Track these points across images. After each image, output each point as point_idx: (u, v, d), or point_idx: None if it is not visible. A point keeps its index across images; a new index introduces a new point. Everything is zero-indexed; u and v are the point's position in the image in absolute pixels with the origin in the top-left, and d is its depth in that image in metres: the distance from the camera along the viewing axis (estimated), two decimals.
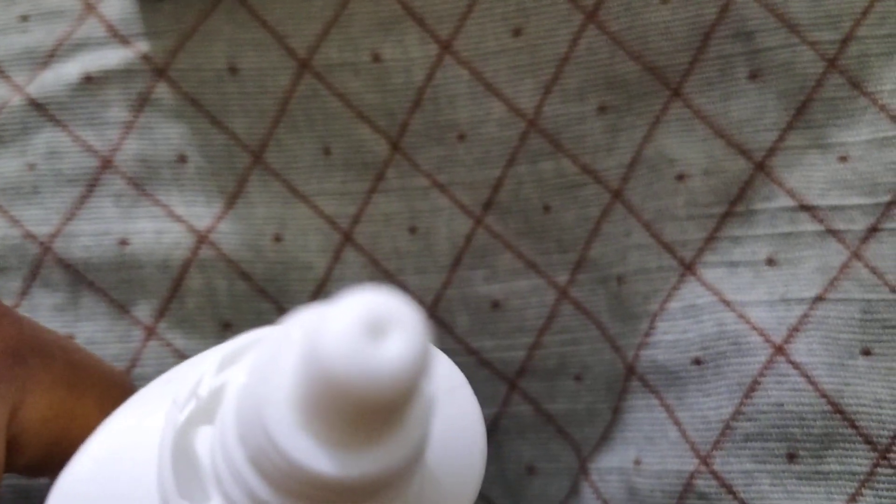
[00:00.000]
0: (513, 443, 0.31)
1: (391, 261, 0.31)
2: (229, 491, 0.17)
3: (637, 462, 0.30)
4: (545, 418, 0.31)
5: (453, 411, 0.21)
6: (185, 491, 0.18)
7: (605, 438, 0.31)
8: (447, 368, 0.21)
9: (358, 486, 0.16)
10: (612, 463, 0.30)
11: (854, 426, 0.27)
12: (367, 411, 0.15)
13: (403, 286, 0.31)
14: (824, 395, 0.27)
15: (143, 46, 0.30)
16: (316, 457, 0.16)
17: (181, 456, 0.18)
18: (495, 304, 0.31)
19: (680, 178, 0.30)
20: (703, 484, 0.28)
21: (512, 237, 0.31)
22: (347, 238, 0.31)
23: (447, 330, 0.31)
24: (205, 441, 0.18)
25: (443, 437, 0.20)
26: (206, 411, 0.19)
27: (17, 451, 0.23)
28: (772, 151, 0.29)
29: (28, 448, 0.23)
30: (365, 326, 0.14)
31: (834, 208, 0.28)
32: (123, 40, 0.30)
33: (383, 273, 0.31)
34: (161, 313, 0.30)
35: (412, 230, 0.31)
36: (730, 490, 0.28)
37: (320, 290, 0.31)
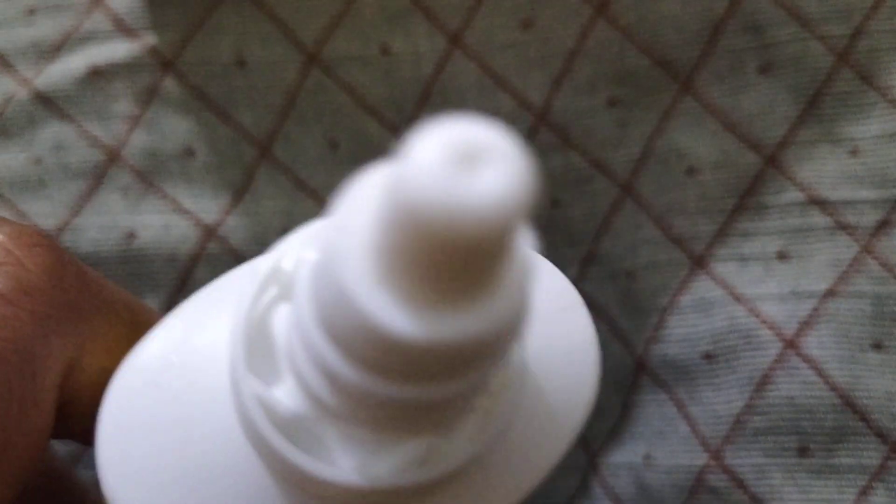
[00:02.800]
0: None
1: None
2: (302, 368, 0.15)
3: (647, 457, 0.29)
4: None
5: (565, 330, 0.19)
6: (257, 370, 0.16)
7: (614, 434, 0.31)
8: (561, 286, 0.19)
9: (441, 355, 0.14)
10: (621, 458, 0.30)
11: (865, 420, 0.27)
12: (455, 256, 0.13)
13: None
14: (835, 389, 0.27)
15: (150, 39, 0.30)
16: (395, 314, 0.13)
17: (255, 334, 0.16)
18: None
19: (690, 171, 0.29)
20: (713, 478, 0.28)
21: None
22: None
23: None
24: (281, 321, 0.16)
25: (553, 355, 0.18)
26: (285, 286, 0.16)
27: (71, 415, 0.21)
28: (782, 145, 0.29)
29: (84, 413, 0.20)
30: (457, 155, 0.12)
31: (844, 202, 0.28)
32: (131, 33, 0.30)
33: None
34: (169, 307, 0.30)
35: None
36: (741, 484, 0.28)
37: None
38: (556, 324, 0.19)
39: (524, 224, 0.13)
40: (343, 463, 0.16)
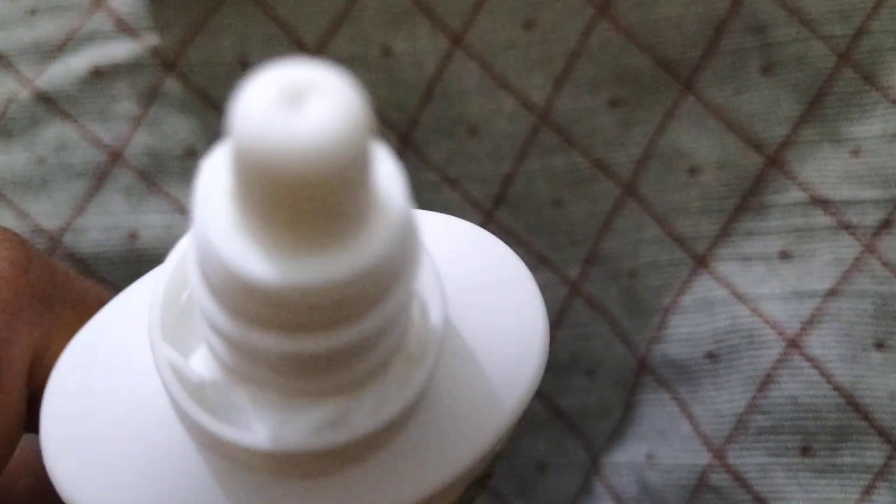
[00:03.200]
0: (524, 439, 0.31)
1: None
2: (206, 332, 0.15)
3: (649, 457, 0.29)
4: (556, 414, 0.31)
5: (508, 304, 0.19)
6: (177, 340, 0.16)
7: (616, 434, 0.31)
8: (509, 260, 0.19)
9: (304, 301, 0.13)
10: (624, 458, 0.30)
11: (868, 419, 0.27)
12: (298, 196, 0.13)
13: None
14: (838, 389, 0.27)
15: (152, 40, 0.30)
16: (251, 259, 0.13)
17: (173, 305, 0.16)
18: None
19: (692, 171, 0.30)
20: (716, 478, 0.28)
21: (523, 232, 0.31)
22: None
23: None
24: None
25: (493, 328, 0.18)
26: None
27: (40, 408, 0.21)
28: (784, 145, 0.29)
29: None
30: (283, 95, 0.13)
31: (847, 202, 0.28)
32: (132, 34, 0.30)
33: None
34: None
35: None
36: (744, 484, 0.28)
37: None
38: (497, 297, 0.19)
39: (360, 152, 0.13)
40: (257, 428, 0.15)
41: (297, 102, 0.13)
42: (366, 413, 0.16)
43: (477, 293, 0.18)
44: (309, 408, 0.15)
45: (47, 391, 0.18)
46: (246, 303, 0.14)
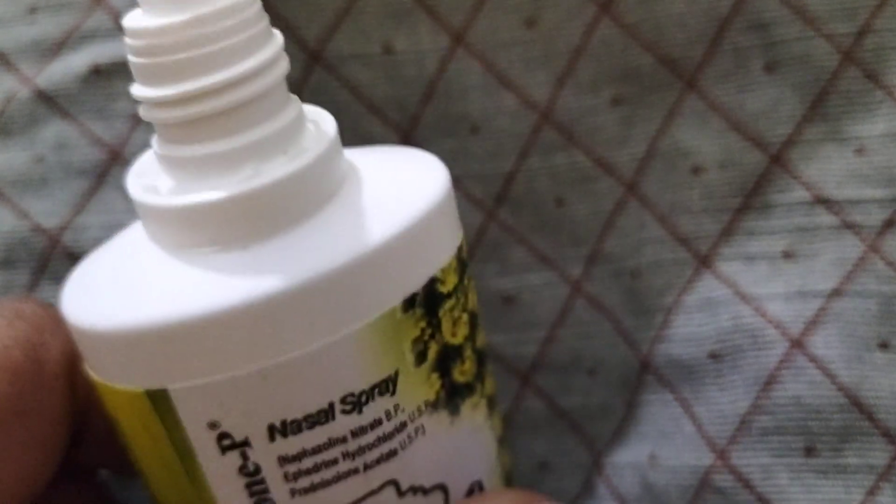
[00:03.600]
0: (525, 438, 0.31)
1: None
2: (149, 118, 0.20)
3: (652, 457, 0.29)
4: (558, 413, 0.31)
5: (410, 160, 0.24)
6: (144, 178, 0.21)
7: (619, 434, 0.30)
8: (432, 161, 0.23)
9: (190, 29, 0.19)
10: (626, 458, 0.30)
11: (872, 419, 0.27)
12: None
13: None
14: (842, 389, 0.27)
15: None
16: (148, 18, 0.19)
17: (139, 167, 0.22)
18: (507, 299, 0.31)
19: (695, 170, 0.29)
20: (719, 479, 0.28)
21: (524, 231, 0.31)
22: None
23: None
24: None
25: (401, 168, 0.23)
26: None
27: (92, 436, 0.24)
28: (788, 144, 0.29)
29: (100, 431, 0.23)
30: None
31: (850, 201, 0.28)
32: None
33: None
34: None
35: None
36: (747, 485, 0.28)
37: None
38: (408, 169, 0.23)
39: None
40: (193, 195, 0.20)
41: None
42: (276, 168, 0.20)
43: (384, 155, 0.24)
44: (231, 172, 0.20)
45: (65, 287, 0.22)
46: (149, 55, 0.19)
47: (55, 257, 0.29)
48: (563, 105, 0.30)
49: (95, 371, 0.21)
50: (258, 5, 0.20)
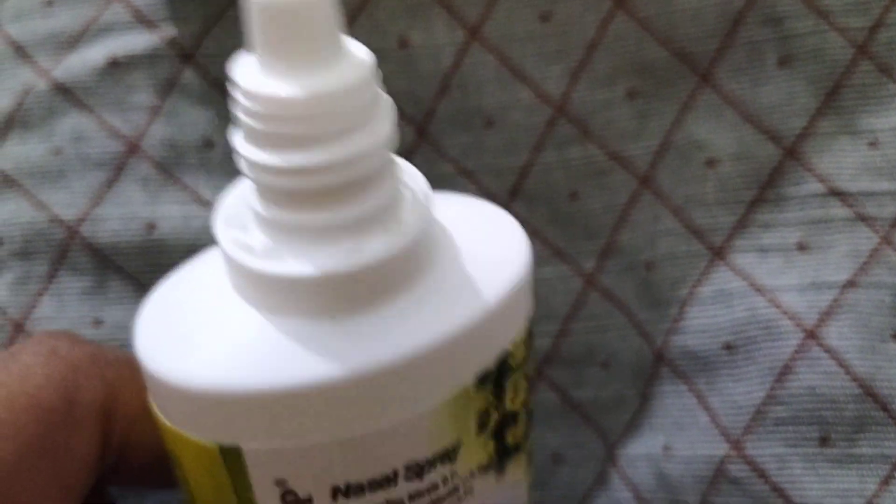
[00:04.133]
0: (539, 430, 0.31)
1: None
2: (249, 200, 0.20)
3: (666, 448, 0.29)
4: (572, 406, 0.31)
5: (499, 240, 0.22)
6: (234, 230, 0.20)
7: (632, 425, 0.31)
8: (510, 223, 0.23)
9: (301, 107, 0.18)
10: (640, 449, 0.30)
11: (886, 409, 0.27)
12: (286, 27, 0.17)
13: None
14: (856, 379, 0.27)
15: (169, 31, 0.30)
16: (260, 79, 0.18)
17: (229, 210, 0.21)
18: None
19: (709, 163, 0.30)
20: (734, 468, 0.28)
21: (539, 224, 0.31)
22: None
23: None
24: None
25: (483, 237, 0.22)
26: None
27: (126, 459, 0.23)
28: (802, 137, 0.29)
29: (134, 449, 0.23)
30: None
31: (864, 194, 0.28)
32: (149, 25, 0.30)
33: None
34: None
35: None
36: (762, 474, 0.28)
37: None
38: (489, 233, 0.22)
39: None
40: (293, 263, 0.19)
41: None
42: (377, 244, 0.19)
43: (470, 219, 0.23)
44: (331, 242, 0.19)
45: (138, 323, 0.21)
46: (266, 121, 0.18)
47: (74, 248, 0.30)
48: (578, 99, 0.30)
49: (167, 417, 0.21)
50: (378, 81, 0.19)
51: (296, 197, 0.19)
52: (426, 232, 0.20)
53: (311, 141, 0.18)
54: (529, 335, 0.22)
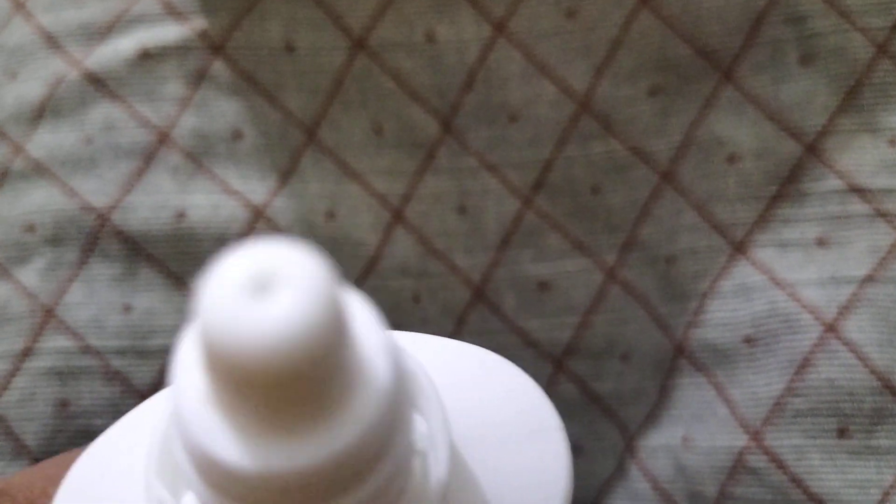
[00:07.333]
0: None
1: (440, 240, 0.31)
2: (194, 491, 0.15)
3: (685, 439, 0.30)
4: (591, 398, 0.32)
5: (534, 454, 0.18)
6: (169, 482, 0.16)
7: (651, 417, 0.31)
8: (541, 406, 0.19)
9: (275, 484, 0.13)
10: (659, 441, 0.31)
11: None
12: (262, 387, 0.12)
13: (452, 265, 0.31)
14: (874, 372, 0.28)
15: (200, 23, 0.31)
16: (221, 440, 0.13)
17: (166, 454, 0.16)
18: (543, 285, 0.31)
19: (731, 159, 0.30)
20: (753, 459, 0.29)
21: (561, 218, 0.31)
22: (398, 216, 0.31)
23: (495, 309, 0.31)
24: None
25: (514, 480, 0.18)
26: None
27: None
28: (822, 134, 0.30)
29: None
30: (247, 283, 0.12)
31: (883, 190, 0.29)
32: (180, 17, 0.31)
33: (432, 252, 0.31)
34: None
35: (461, 210, 0.31)
36: (780, 465, 0.28)
37: (371, 267, 0.31)
38: (523, 447, 0.18)
39: (330, 338, 0.12)
40: None
41: (263, 291, 0.12)
42: None
43: (500, 443, 0.17)
44: None
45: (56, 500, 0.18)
46: (220, 479, 0.14)
47: (104, 235, 0.30)
48: (602, 95, 0.31)
49: None
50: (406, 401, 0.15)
51: None
52: None
53: None
54: None
